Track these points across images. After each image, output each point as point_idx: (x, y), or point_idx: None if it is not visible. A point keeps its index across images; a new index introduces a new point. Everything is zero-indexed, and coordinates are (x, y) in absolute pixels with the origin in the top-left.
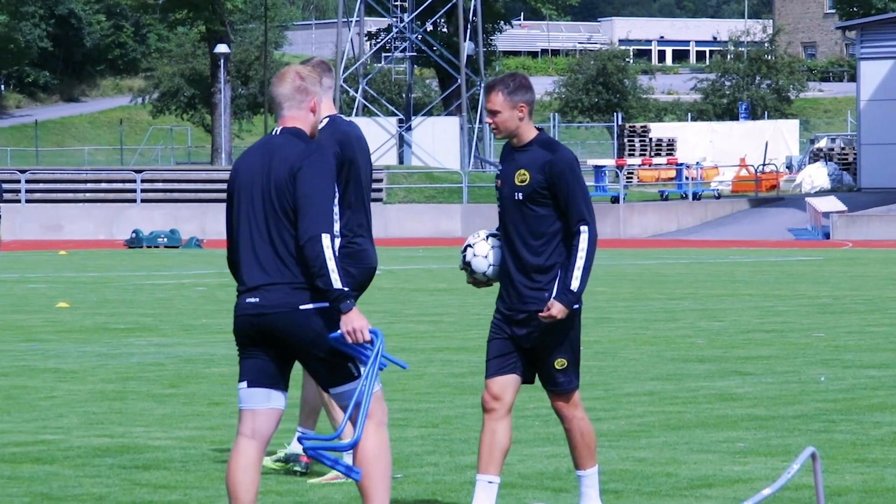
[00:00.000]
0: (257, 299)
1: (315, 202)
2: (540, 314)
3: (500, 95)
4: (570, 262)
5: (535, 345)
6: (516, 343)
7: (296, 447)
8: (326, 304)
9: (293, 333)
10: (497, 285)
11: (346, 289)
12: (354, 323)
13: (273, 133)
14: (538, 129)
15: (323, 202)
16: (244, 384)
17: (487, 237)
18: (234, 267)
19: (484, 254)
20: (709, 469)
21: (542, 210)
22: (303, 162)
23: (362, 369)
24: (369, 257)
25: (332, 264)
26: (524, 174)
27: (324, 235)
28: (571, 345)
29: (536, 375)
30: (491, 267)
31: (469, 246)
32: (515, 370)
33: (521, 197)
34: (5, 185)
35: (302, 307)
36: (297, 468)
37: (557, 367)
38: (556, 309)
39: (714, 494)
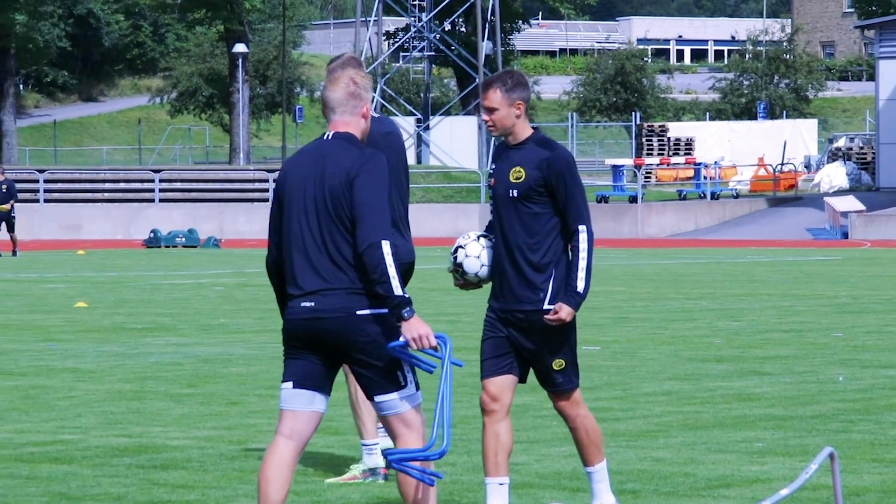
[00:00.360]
0: (313, 303)
1: (373, 209)
2: (546, 317)
3: (498, 92)
4: (572, 263)
5: (534, 346)
6: (512, 343)
7: (371, 460)
8: (382, 311)
9: (348, 338)
10: (487, 285)
11: (406, 295)
12: (420, 329)
13: (325, 137)
14: (533, 127)
15: (381, 209)
16: (289, 385)
17: (478, 238)
18: (276, 269)
19: (476, 254)
20: (727, 469)
21: (537, 207)
22: (360, 169)
23: (409, 377)
24: (403, 253)
25: (392, 271)
26: (520, 171)
27: (384, 242)
28: (569, 345)
29: (531, 374)
30: (483, 267)
31: (460, 247)
32: (512, 370)
33: (515, 194)
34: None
35: (358, 312)
36: (379, 480)
37: (556, 367)
38: (565, 312)
39: (732, 494)
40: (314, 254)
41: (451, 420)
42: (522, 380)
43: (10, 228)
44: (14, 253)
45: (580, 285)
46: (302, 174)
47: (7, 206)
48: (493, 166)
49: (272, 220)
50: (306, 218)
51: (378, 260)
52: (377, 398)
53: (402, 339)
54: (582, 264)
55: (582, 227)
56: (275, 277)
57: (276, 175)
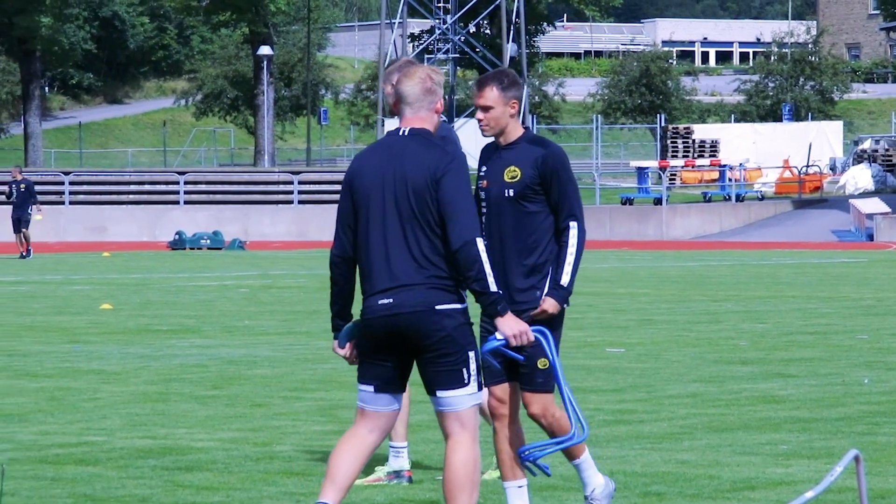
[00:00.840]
0: (391, 300)
1: (463, 207)
2: (531, 312)
3: (495, 90)
4: (560, 257)
5: (523, 344)
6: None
7: (397, 463)
8: (459, 307)
9: (426, 332)
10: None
11: (500, 292)
12: (519, 326)
13: (398, 133)
14: (524, 127)
15: (470, 207)
16: (370, 388)
17: None
18: (344, 262)
19: None
20: (751, 471)
21: (534, 206)
22: (447, 168)
23: (475, 376)
24: None
25: (487, 268)
26: (515, 170)
27: (478, 240)
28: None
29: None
30: None
31: None
32: (513, 375)
33: (511, 194)
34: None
35: (438, 307)
36: (403, 483)
37: (540, 366)
38: (549, 304)
39: (757, 497)
40: (394, 251)
41: (577, 406)
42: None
43: (24, 226)
44: (28, 253)
45: (565, 279)
46: (379, 171)
47: (40, 216)
48: (484, 169)
49: (343, 215)
50: (386, 215)
51: (474, 257)
52: (440, 393)
53: (498, 336)
54: (570, 259)
55: (573, 223)
56: (339, 270)
57: (300, 177)
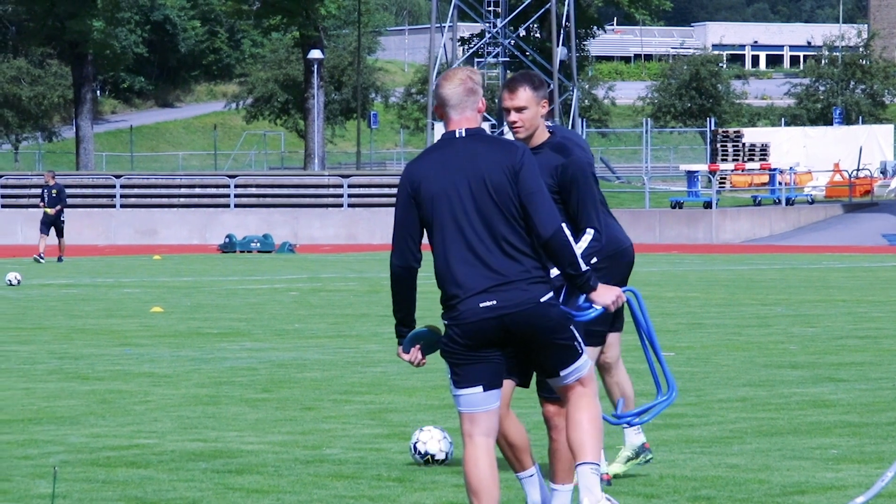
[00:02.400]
0: (495, 301)
1: (544, 197)
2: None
3: (528, 90)
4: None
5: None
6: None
7: (633, 439)
8: (553, 293)
9: (538, 327)
10: None
11: (588, 267)
12: (613, 292)
13: (455, 135)
14: (550, 131)
15: (548, 195)
16: (479, 388)
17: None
18: (408, 273)
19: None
20: (802, 476)
21: None
22: (522, 161)
23: (582, 343)
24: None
25: (576, 249)
26: None
27: (563, 226)
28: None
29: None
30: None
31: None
32: (511, 376)
33: None
34: (95, 191)
35: (542, 300)
36: (649, 457)
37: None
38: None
39: (806, 501)
40: (484, 251)
41: (665, 364)
42: (522, 384)
43: (60, 233)
44: (60, 259)
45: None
46: (449, 176)
47: (52, 211)
48: None
49: (406, 225)
50: (467, 217)
51: (564, 243)
52: (563, 372)
53: (595, 307)
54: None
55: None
56: (403, 281)
57: (350, 180)
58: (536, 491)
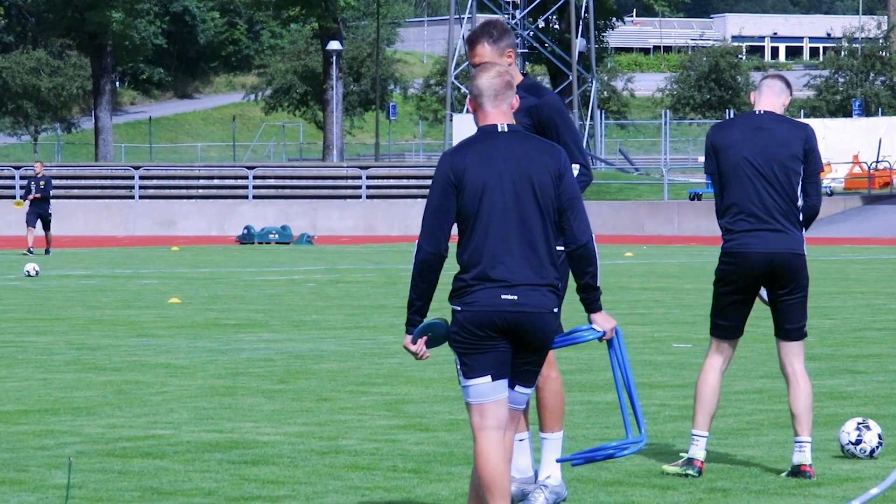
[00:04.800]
0: (517, 297)
1: (582, 204)
2: None
3: (487, 46)
4: None
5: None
6: None
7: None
8: (559, 310)
9: (541, 333)
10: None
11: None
12: (612, 321)
13: (498, 129)
14: (523, 74)
15: (583, 203)
16: (487, 378)
17: None
18: (439, 263)
19: None
20: (817, 467)
21: None
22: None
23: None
24: None
25: (598, 263)
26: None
27: (594, 236)
28: None
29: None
30: None
31: None
32: None
33: None
34: (114, 182)
35: (554, 310)
36: (691, 472)
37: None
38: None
39: (822, 493)
40: (520, 247)
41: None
42: None
43: (46, 226)
44: (47, 251)
45: None
46: (495, 169)
47: (28, 199)
48: None
49: (444, 212)
50: (507, 211)
51: (593, 254)
52: (520, 389)
53: (596, 328)
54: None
55: (576, 165)
56: (432, 269)
57: (369, 171)
58: (524, 458)
